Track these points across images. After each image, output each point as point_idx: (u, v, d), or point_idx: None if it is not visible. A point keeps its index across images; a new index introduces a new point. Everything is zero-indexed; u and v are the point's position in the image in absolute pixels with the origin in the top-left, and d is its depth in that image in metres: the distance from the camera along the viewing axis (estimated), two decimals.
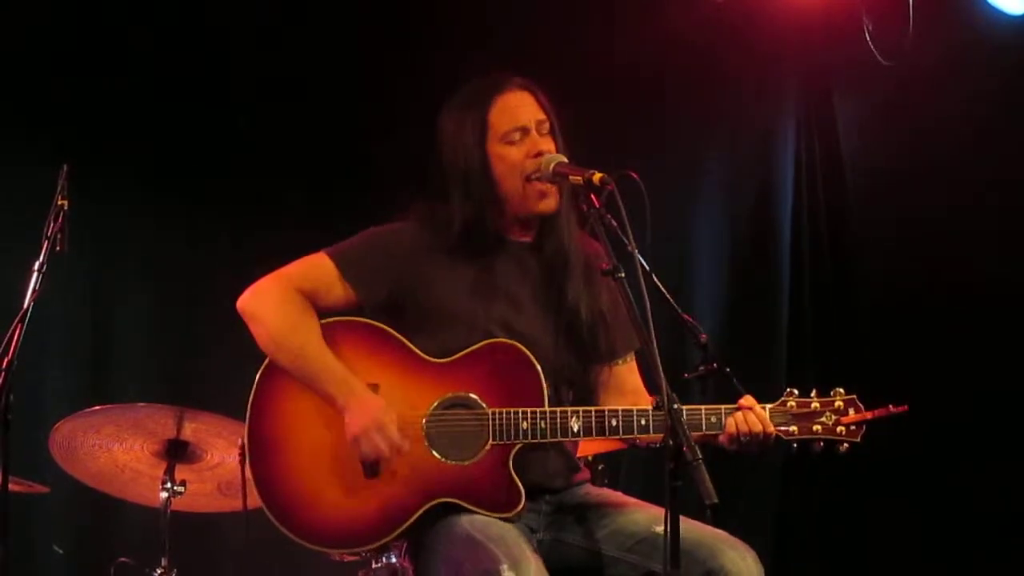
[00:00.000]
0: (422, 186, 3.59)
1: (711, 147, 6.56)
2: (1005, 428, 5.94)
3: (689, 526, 3.18)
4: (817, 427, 3.38)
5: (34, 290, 3.83)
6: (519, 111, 3.49)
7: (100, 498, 4.90)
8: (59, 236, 3.86)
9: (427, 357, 3.42)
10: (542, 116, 3.51)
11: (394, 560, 4.47)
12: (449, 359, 3.41)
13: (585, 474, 3.60)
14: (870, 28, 5.96)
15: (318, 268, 3.50)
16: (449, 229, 3.48)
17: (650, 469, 5.77)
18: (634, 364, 3.62)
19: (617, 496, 3.53)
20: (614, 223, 3.20)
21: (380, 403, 3.35)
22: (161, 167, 5.70)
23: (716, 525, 3.29)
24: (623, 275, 3.11)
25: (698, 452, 2.87)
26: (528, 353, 3.38)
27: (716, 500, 2.81)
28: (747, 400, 3.37)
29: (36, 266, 3.85)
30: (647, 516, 3.37)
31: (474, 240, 3.48)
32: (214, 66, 5.75)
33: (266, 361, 3.47)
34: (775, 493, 6.43)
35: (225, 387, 3.76)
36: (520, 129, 3.47)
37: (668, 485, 2.89)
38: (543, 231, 3.54)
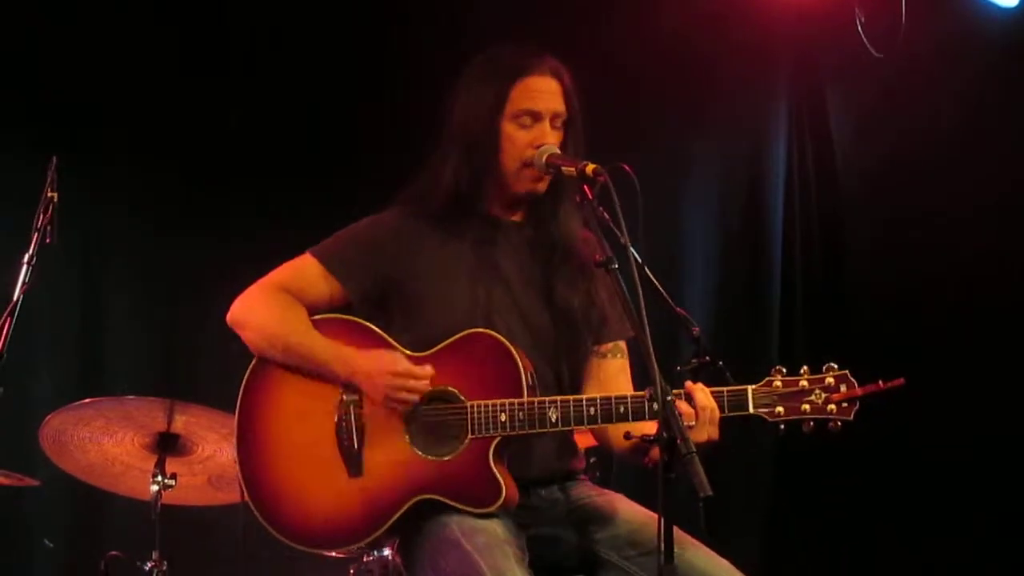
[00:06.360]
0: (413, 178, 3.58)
1: (703, 142, 6.54)
2: (1001, 427, 5.91)
3: (702, 555, 3.19)
4: (806, 407, 3.20)
5: (24, 283, 3.82)
6: (539, 97, 3.42)
7: (91, 491, 4.88)
8: (48, 228, 3.86)
9: (406, 351, 3.37)
10: (561, 109, 3.44)
11: (387, 554, 4.45)
12: (427, 352, 3.35)
13: (582, 463, 3.55)
14: (862, 21, 5.96)
15: (302, 268, 3.48)
16: (437, 191, 3.43)
17: None
18: (626, 363, 3.53)
19: (623, 501, 3.45)
20: (607, 215, 3.16)
21: (380, 356, 3.31)
22: (151, 159, 5.67)
23: (708, 519, 3.25)
24: (616, 266, 3.08)
25: (692, 445, 2.84)
26: (506, 343, 3.30)
27: (710, 492, 2.78)
28: (690, 385, 3.22)
29: (25, 259, 3.84)
30: (654, 531, 3.18)
31: (460, 210, 3.44)
32: (207, 59, 5.73)
33: (252, 362, 3.44)
34: (768, 484, 6.43)
35: (216, 380, 3.75)
36: (533, 114, 3.41)
37: (661, 478, 2.85)
38: (531, 214, 3.50)
